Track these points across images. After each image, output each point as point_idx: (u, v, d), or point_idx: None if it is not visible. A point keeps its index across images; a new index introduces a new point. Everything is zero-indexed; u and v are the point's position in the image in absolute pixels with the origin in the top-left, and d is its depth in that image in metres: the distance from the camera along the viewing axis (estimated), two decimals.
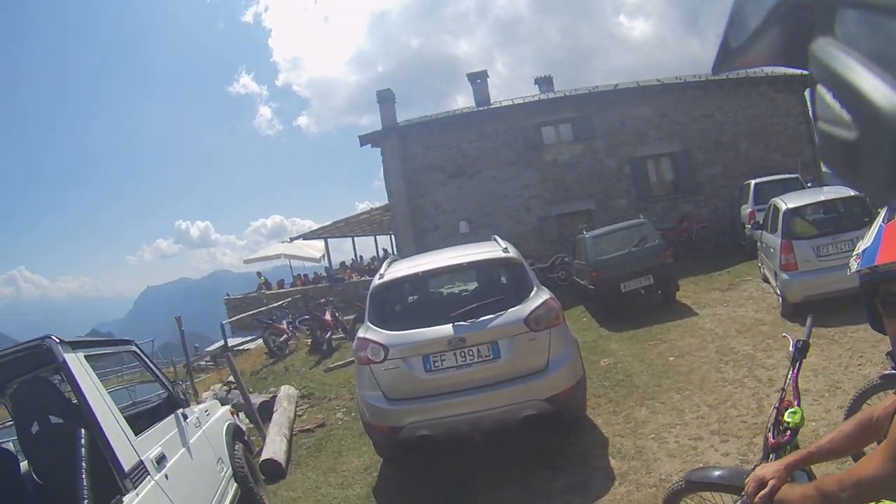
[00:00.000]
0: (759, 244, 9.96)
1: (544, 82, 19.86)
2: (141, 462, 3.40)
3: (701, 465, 4.12)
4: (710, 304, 9.66)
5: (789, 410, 2.07)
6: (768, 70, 18.27)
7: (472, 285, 6.64)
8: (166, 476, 3.58)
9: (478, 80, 18.94)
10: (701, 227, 15.78)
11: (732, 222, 15.02)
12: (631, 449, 4.94)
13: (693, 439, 4.82)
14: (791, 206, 7.95)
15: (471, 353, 4.80)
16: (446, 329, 4.84)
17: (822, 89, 0.41)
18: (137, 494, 3.15)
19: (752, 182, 13.42)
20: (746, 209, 13.12)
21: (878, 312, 1.19)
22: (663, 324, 8.88)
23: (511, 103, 18.24)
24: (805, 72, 0.44)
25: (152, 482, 3.38)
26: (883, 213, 1.21)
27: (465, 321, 4.86)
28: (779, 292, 8.06)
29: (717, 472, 2.47)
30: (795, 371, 2.23)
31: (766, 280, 9.52)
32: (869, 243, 1.18)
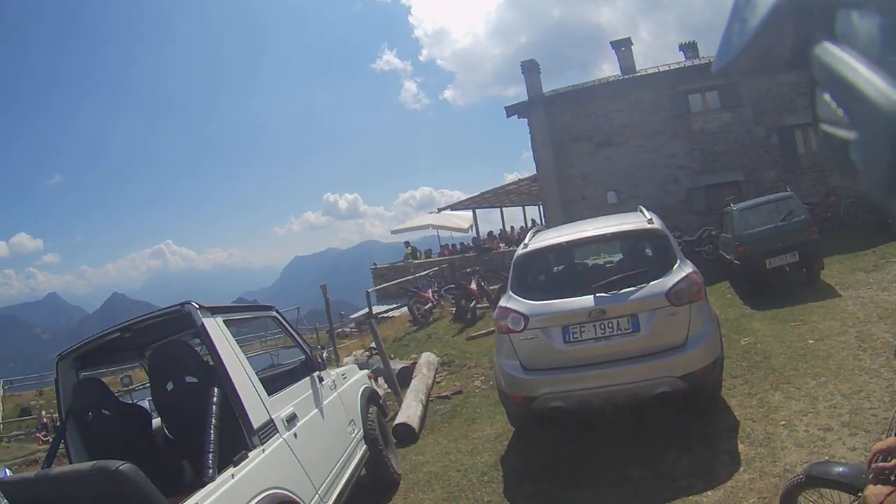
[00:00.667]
0: None
1: (689, 48, 19.27)
2: (271, 420, 3.52)
3: (826, 458, 4.13)
4: (853, 285, 9.39)
5: None
6: None
7: (617, 256, 6.62)
8: (295, 434, 3.72)
9: (622, 47, 18.50)
10: (849, 202, 14.90)
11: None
12: (760, 434, 4.88)
13: (823, 429, 4.76)
14: None
15: (610, 325, 4.73)
16: (587, 300, 4.79)
17: (822, 90, 0.42)
18: (264, 451, 3.29)
19: None
20: None
21: None
22: (806, 304, 8.74)
23: (657, 71, 17.75)
24: (805, 72, 0.44)
25: (280, 440, 3.52)
26: None
27: (606, 293, 4.79)
28: None
29: (838, 469, 2.43)
30: None
31: None
32: None
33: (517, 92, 22.37)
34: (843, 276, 10.27)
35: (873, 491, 1.79)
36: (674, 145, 17.20)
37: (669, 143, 17.21)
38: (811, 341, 7.13)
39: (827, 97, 0.41)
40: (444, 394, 8.01)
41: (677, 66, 17.98)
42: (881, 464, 1.79)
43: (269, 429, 3.46)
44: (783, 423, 5.05)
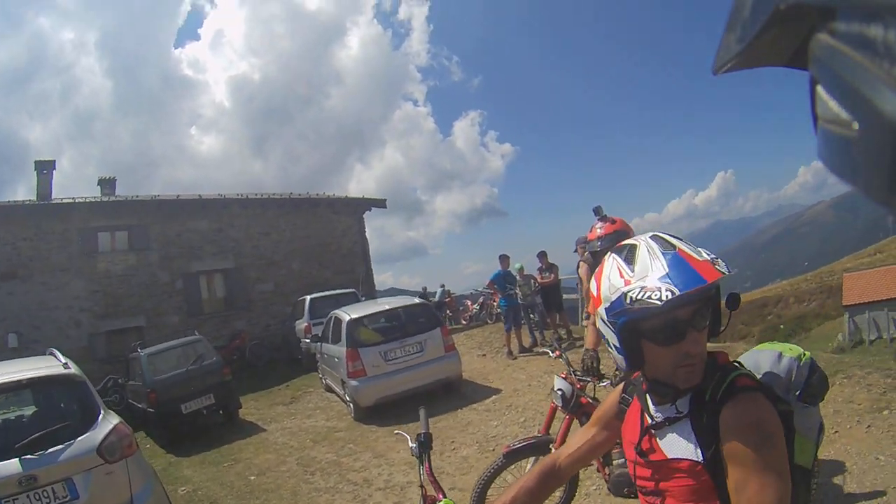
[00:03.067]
0: (318, 356, 10.38)
1: (107, 184, 18.08)
2: None
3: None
4: (276, 418, 9.56)
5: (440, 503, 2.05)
6: (329, 192, 20.37)
7: (29, 409, 5.38)
8: None
9: (44, 170, 16.36)
10: (254, 343, 15.75)
11: (285, 338, 15.48)
12: None
13: None
14: (354, 316, 8.56)
15: (46, 494, 4.02)
16: (12, 465, 4.01)
17: (822, 90, 0.42)
18: None
19: (308, 298, 14.15)
20: (302, 323, 13.66)
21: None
22: (233, 443, 8.41)
23: (72, 201, 16.07)
24: (805, 71, 0.44)
25: None
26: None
27: (33, 454, 4.08)
28: (348, 399, 8.43)
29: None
30: (428, 465, 2.19)
31: (331, 389, 9.93)
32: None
33: None
34: (262, 411, 10.33)
35: None
36: (77, 285, 15.48)
37: (73, 282, 15.42)
38: (252, 477, 6.81)
39: (827, 97, 0.41)
40: None
41: (93, 200, 16.61)
42: None
43: None
44: None
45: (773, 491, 1.13)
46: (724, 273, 1.21)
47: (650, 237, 1.31)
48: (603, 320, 1.32)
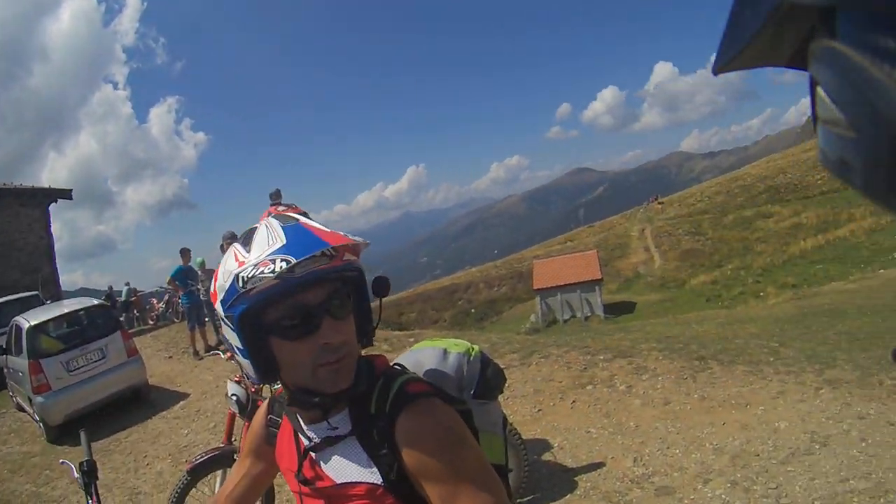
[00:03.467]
0: (6, 370, 9.24)
1: None
2: None
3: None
4: None
5: None
6: (16, 182, 17.13)
7: None
8: None
9: None
10: None
11: None
12: None
13: None
14: (34, 322, 7.85)
15: None
16: None
17: (821, 91, 0.42)
18: None
19: None
20: None
21: None
22: None
23: None
24: (805, 72, 0.44)
25: None
26: None
27: None
28: (37, 418, 7.81)
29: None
30: (95, 495, 2.08)
31: (22, 409, 9.00)
32: None
33: None
34: None
35: None
36: None
37: None
38: None
39: (827, 97, 0.41)
40: None
41: None
42: None
43: None
44: None
45: (489, 495, 1.01)
46: (355, 241, 1.09)
47: (272, 216, 1.14)
48: (222, 320, 1.09)
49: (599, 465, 4.11)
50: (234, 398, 3.55)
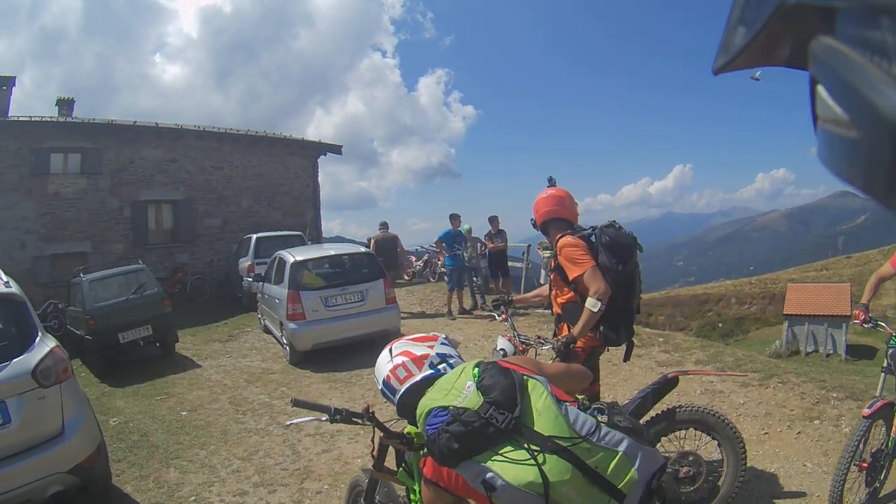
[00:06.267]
0: (259, 296, 10.41)
1: (65, 105, 16.98)
2: None
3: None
4: (212, 355, 9.56)
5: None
6: (286, 133, 19.88)
7: None
8: None
9: (3, 85, 15.23)
10: (196, 278, 15.60)
11: (228, 275, 15.40)
12: None
13: (238, 495, 4.60)
14: (298, 258, 8.54)
15: None
16: None
17: (822, 90, 0.42)
18: None
19: (254, 236, 14.06)
20: (245, 262, 13.61)
21: None
22: (167, 377, 8.40)
23: (29, 119, 15.22)
24: (805, 71, 0.44)
25: None
26: None
27: None
28: (285, 342, 8.54)
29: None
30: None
31: (268, 331, 10.04)
32: None
33: None
34: (198, 347, 10.31)
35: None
36: (26, 206, 14.90)
37: (22, 203, 14.84)
38: (184, 413, 6.83)
39: (827, 96, 0.41)
40: None
41: (49, 120, 15.65)
42: None
43: None
44: (192, 498, 4.63)
45: None
46: None
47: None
48: None
49: (801, 495, 4.00)
50: (502, 352, 3.69)
